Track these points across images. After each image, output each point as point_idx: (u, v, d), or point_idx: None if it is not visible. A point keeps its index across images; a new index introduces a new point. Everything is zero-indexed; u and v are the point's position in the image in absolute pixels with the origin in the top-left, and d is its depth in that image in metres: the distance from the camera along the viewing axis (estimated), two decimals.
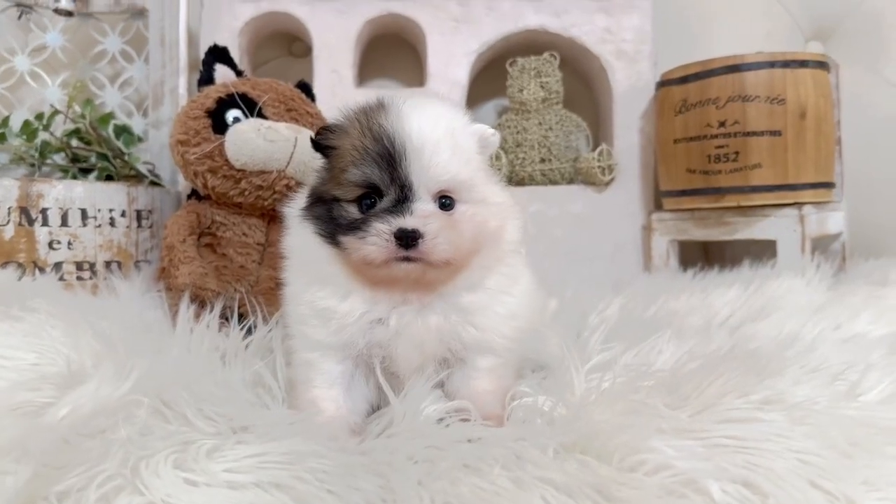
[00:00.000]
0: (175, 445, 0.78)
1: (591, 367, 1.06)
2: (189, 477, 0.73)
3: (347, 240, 0.91)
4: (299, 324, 1.00)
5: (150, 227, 1.84)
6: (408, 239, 0.87)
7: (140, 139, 2.29)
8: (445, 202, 0.92)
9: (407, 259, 0.88)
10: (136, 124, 2.41)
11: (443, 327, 0.96)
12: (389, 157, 0.89)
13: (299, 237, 1.00)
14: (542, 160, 2.34)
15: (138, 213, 1.80)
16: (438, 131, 0.91)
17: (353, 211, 0.92)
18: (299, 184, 1.56)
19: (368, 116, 0.93)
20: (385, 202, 0.90)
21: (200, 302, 1.38)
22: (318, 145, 0.99)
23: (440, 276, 0.93)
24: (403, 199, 0.89)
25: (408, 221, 0.88)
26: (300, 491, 0.71)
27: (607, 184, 2.33)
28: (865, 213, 2.36)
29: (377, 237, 0.88)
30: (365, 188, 0.91)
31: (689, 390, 0.94)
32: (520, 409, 0.97)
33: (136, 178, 1.99)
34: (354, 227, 0.90)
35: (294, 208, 1.03)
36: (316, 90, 2.03)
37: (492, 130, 1.01)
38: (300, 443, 0.80)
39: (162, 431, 0.82)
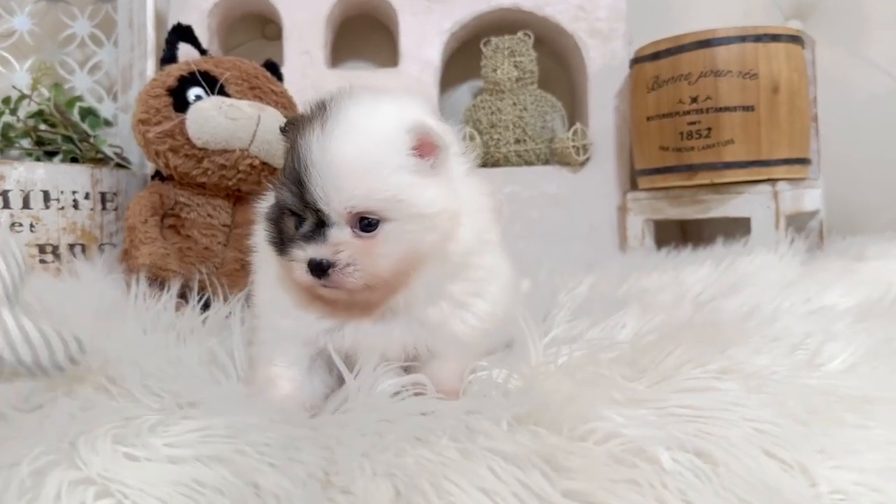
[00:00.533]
0: (117, 421, 0.76)
1: (549, 341, 1.04)
2: (129, 452, 0.70)
3: (280, 258, 0.89)
4: (266, 310, 0.98)
5: (115, 209, 1.81)
6: (319, 269, 0.83)
7: (108, 123, 2.26)
8: (367, 223, 0.84)
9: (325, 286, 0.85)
10: (107, 109, 2.38)
11: (406, 339, 0.93)
12: (299, 181, 0.83)
13: (258, 231, 0.97)
14: (517, 141, 2.33)
15: (103, 195, 1.77)
16: (353, 147, 0.83)
17: (291, 227, 0.88)
18: (264, 163, 1.54)
19: (304, 123, 0.86)
20: (305, 226, 0.86)
21: (160, 283, 1.36)
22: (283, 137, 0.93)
23: (371, 297, 0.89)
24: (320, 223, 0.84)
25: (319, 251, 0.83)
26: (240, 464, 0.69)
27: (582, 164, 2.32)
28: (845, 192, 2.35)
29: (295, 262, 0.85)
30: (287, 208, 0.87)
31: (647, 362, 0.93)
32: (476, 383, 0.96)
33: (101, 160, 1.96)
34: (286, 247, 0.87)
35: (262, 203, 0.99)
36: (286, 71, 2.00)
37: (441, 126, 0.91)
38: (244, 416, 0.78)
39: (104, 407, 0.80)
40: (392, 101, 0.90)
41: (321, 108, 0.87)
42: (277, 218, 0.90)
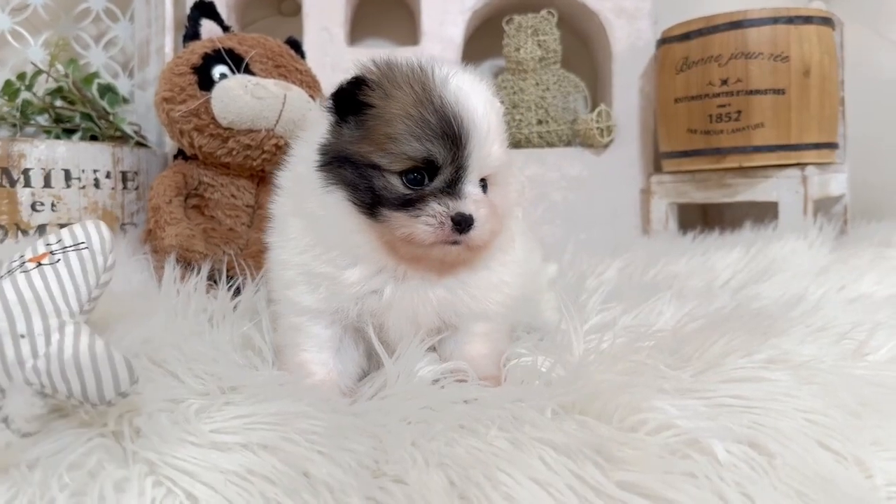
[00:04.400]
0: (162, 403, 0.76)
1: (589, 328, 1.04)
2: (179, 436, 0.71)
3: (395, 216, 0.86)
4: (285, 289, 0.96)
5: (136, 188, 1.80)
6: (464, 224, 0.85)
7: (126, 100, 2.24)
8: (484, 185, 0.90)
9: (454, 242, 0.86)
10: (122, 85, 2.36)
11: (437, 300, 0.94)
12: (455, 137, 0.85)
13: (311, 198, 0.92)
14: (540, 122, 2.31)
15: (124, 174, 1.76)
16: (493, 114, 0.89)
17: (398, 185, 0.87)
18: (289, 144, 1.52)
19: (423, 84, 0.87)
20: (438, 182, 0.86)
21: (187, 264, 1.35)
22: (347, 98, 0.90)
23: (471, 257, 0.92)
24: (455, 180, 0.86)
25: (465, 206, 0.85)
26: (289, 452, 0.69)
27: (606, 146, 2.31)
28: (868, 175, 2.33)
29: (432, 218, 0.85)
30: (419, 163, 0.86)
31: (691, 350, 0.92)
32: (517, 370, 0.95)
33: (121, 138, 1.95)
34: (407, 203, 0.86)
35: (289, 173, 0.99)
36: (306, 49, 1.98)
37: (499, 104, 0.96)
38: (289, 404, 0.77)
39: (150, 389, 0.80)
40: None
41: (428, 72, 0.88)
42: (357, 177, 0.88)
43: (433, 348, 0.98)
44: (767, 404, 0.78)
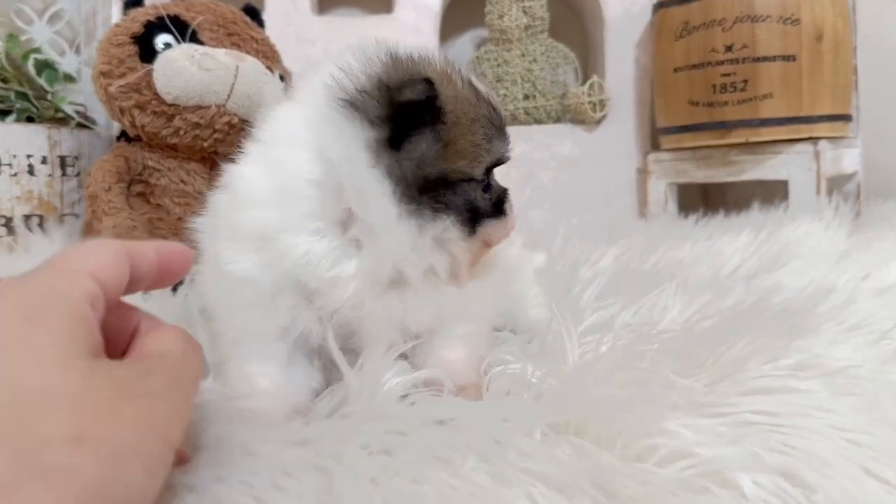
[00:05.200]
0: None
1: (585, 329, 0.93)
2: None
3: (492, 222, 0.82)
4: (231, 311, 0.84)
5: (77, 175, 1.69)
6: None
7: (71, 78, 2.12)
8: None
9: None
10: (69, 62, 2.26)
11: (430, 307, 0.83)
12: (503, 128, 0.82)
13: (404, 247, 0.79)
14: (526, 97, 2.23)
15: (62, 159, 1.65)
16: None
17: (483, 190, 0.81)
18: (244, 121, 1.41)
19: (460, 76, 0.81)
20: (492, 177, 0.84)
21: None
22: (424, 108, 0.76)
23: None
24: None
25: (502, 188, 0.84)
26: (217, 498, 0.58)
27: (598, 122, 2.22)
28: (878, 150, 2.24)
29: (510, 213, 0.84)
30: (494, 163, 0.82)
31: (705, 354, 0.82)
32: (502, 380, 0.84)
33: (62, 120, 1.83)
34: (498, 206, 0.83)
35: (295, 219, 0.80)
36: (268, 18, 1.87)
37: None
38: (224, 432, 0.66)
39: None
40: None
41: (438, 59, 0.81)
42: (461, 193, 0.79)
43: (404, 355, 0.87)
44: (799, 421, 0.67)
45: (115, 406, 0.45)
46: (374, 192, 0.76)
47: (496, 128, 0.80)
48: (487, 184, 0.81)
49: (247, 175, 0.81)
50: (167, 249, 0.60)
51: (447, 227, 0.78)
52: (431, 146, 0.77)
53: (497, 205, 0.82)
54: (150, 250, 0.58)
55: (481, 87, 0.82)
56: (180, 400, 0.52)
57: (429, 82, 0.75)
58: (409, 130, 0.76)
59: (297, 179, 0.78)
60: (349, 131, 0.75)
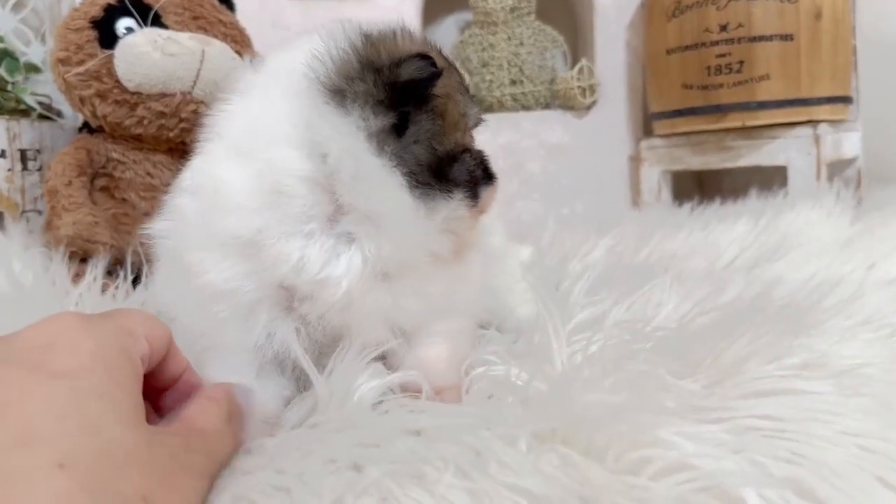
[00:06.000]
0: None
1: (574, 327, 0.88)
2: None
3: (489, 189, 0.80)
4: (203, 322, 0.79)
5: (39, 169, 1.63)
6: None
7: (36, 69, 2.06)
8: None
9: None
10: (35, 52, 2.19)
11: (405, 298, 0.79)
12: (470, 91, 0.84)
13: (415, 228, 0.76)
14: (513, 82, 2.18)
15: (23, 152, 1.59)
16: None
17: (472, 158, 0.80)
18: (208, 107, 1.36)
19: (433, 47, 0.81)
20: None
21: (87, 258, 1.19)
22: (425, 87, 0.73)
23: None
24: None
25: None
26: None
27: (588, 107, 2.18)
28: (877, 134, 2.20)
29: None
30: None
31: (702, 354, 0.77)
32: (483, 383, 0.80)
33: (24, 112, 1.77)
34: (486, 170, 0.81)
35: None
36: (242, 2, 1.81)
37: None
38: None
39: None
40: None
41: (410, 32, 0.79)
42: (463, 165, 0.78)
43: (381, 356, 0.82)
44: (807, 427, 0.63)
45: (171, 473, 0.48)
46: (383, 182, 0.72)
47: (468, 92, 0.81)
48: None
49: (222, 177, 0.75)
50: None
51: (458, 205, 0.76)
52: (433, 124, 0.75)
53: (486, 169, 0.80)
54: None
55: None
56: (208, 482, 0.55)
57: (425, 57, 0.72)
58: (410, 112, 0.73)
59: (288, 178, 0.72)
60: (345, 123, 0.71)
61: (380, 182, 0.72)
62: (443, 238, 0.77)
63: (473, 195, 0.77)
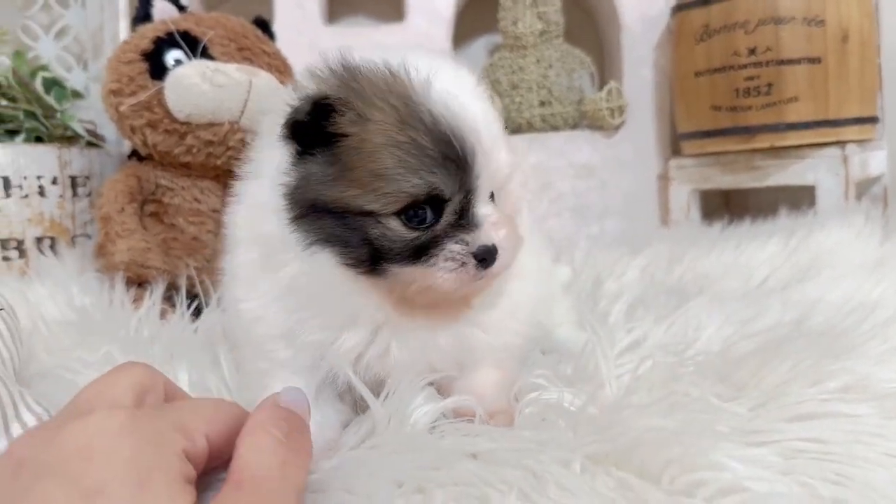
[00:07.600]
0: None
1: (619, 351, 0.91)
2: None
3: (406, 270, 0.73)
4: (255, 343, 0.83)
5: (89, 195, 1.68)
6: (489, 257, 0.73)
7: (79, 95, 2.11)
8: (492, 198, 0.77)
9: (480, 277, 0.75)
10: (77, 79, 2.24)
11: (450, 345, 0.82)
12: (459, 160, 0.71)
13: (288, 261, 0.76)
14: (542, 103, 2.19)
15: (73, 179, 1.64)
16: (490, 112, 0.76)
17: (399, 228, 0.72)
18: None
19: (403, 96, 0.72)
20: (448, 216, 0.73)
21: (142, 283, 1.23)
22: (308, 127, 0.73)
23: (490, 284, 0.79)
24: (466, 206, 0.74)
25: (486, 235, 0.73)
26: None
27: (617, 128, 2.18)
28: None
29: (452, 262, 0.72)
30: (421, 199, 0.72)
31: (745, 377, 0.80)
32: (534, 406, 0.82)
33: (71, 139, 1.82)
34: (417, 251, 0.73)
35: (244, 221, 0.82)
36: (278, 28, 1.85)
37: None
38: None
39: None
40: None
41: (402, 74, 0.73)
42: (343, 229, 0.74)
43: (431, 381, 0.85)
44: (851, 449, 0.65)
45: None
46: (267, 206, 0.75)
47: (430, 159, 0.71)
48: (419, 217, 0.72)
49: None
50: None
51: (328, 262, 0.74)
52: (323, 168, 0.73)
53: (419, 249, 0.72)
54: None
55: (440, 110, 0.71)
56: None
57: (320, 104, 0.71)
58: (308, 147, 0.74)
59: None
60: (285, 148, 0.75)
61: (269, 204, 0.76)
62: (361, 291, 0.76)
63: (367, 262, 0.74)
